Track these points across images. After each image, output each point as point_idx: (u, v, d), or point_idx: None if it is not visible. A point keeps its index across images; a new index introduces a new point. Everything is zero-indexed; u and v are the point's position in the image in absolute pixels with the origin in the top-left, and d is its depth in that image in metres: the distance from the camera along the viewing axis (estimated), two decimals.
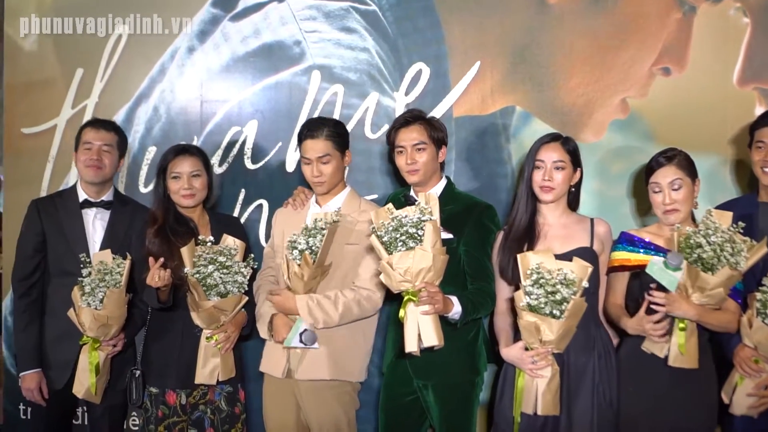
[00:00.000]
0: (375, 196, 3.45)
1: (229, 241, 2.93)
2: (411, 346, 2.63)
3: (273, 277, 3.13)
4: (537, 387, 2.68)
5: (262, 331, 3.01)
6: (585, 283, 2.57)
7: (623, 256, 2.80)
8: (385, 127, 3.44)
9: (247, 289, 2.94)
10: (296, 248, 2.77)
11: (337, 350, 2.94)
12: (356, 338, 2.99)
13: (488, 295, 2.88)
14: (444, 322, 2.73)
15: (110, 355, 2.99)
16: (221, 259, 2.85)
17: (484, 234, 2.93)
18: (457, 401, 2.93)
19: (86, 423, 3.41)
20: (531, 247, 2.82)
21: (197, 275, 2.81)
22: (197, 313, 2.89)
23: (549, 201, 2.86)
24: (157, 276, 2.83)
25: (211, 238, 2.90)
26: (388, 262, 2.62)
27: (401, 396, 2.99)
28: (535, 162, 2.85)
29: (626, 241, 2.81)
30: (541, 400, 2.67)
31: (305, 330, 2.87)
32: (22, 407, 3.68)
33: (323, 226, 2.78)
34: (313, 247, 2.75)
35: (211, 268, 2.82)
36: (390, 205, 2.72)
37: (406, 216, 2.62)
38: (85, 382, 2.93)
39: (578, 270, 2.59)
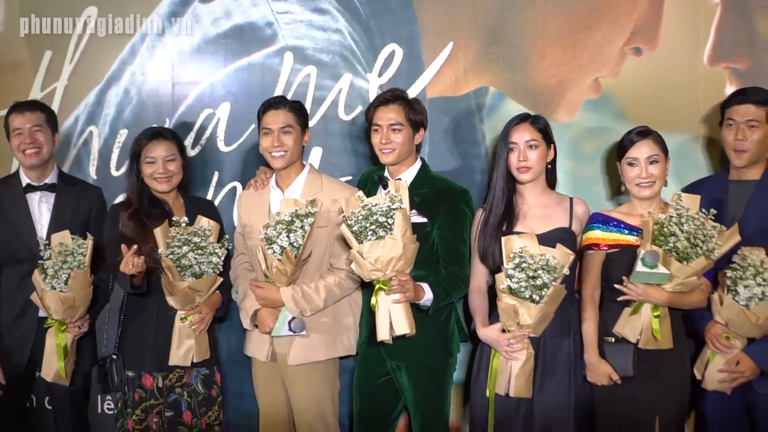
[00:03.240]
0: (349, 178, 3.44)
1: (203, 222, 2.93)
2: (383, 334, 2.66)
3: (248, 263, 3.14)
4: (511, 369, 2.72)
5: (245, 322, 3.02)
6: (566, 270, 2.62)
7: (596, 235, 2.82)
8: (359, 109, 3.45)
9: (222, 270, 2.94)
10: (276, 244, 2.75)
11: (327, 329, 2.96)
12: (344, 312, 3.01)
13: (461, 279, 2.90)
14: (416, 308, 2.75)
15: (77, 336, 3.00)
16: (195, 239, 2.85)
17: (458, 218, 2.92)
18: (430, 382, 2.94)
19: (49, 407, 3.38)
20: (511, 228, 2.84)
21: (171, 256, 2.81)
22: (172, 295, 2.89)
23: (527, 181, 2.87)
24: (131, 263, 2.83)
25: (186, 218, 2.91)
26: (359, 251, 2.62)
27: (375, 378, 3.00)
28: (509, 144, 2.87)
29: (600, 220, 2.84)
30: (514, 382, 2.72)
31: (293, 318, 2.89)
32: None
33: (302, 220, 2.75)
34: (295, 243, 2.74)
35: (185, 248, 2.82)
36: (360, 193, 2.72)
37: (376, 204, 2.62)
38: (53, 366, 2.92)
39: (560, 257, 2.63)
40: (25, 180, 3.17)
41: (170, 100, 3.57)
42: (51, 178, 3.19)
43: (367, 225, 2.60)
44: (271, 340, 2.97)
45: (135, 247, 2.84)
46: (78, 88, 3.60)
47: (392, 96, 2.96)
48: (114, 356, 3.02)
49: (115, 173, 3.59)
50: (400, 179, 2.93)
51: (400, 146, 2.92)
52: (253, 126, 3.48)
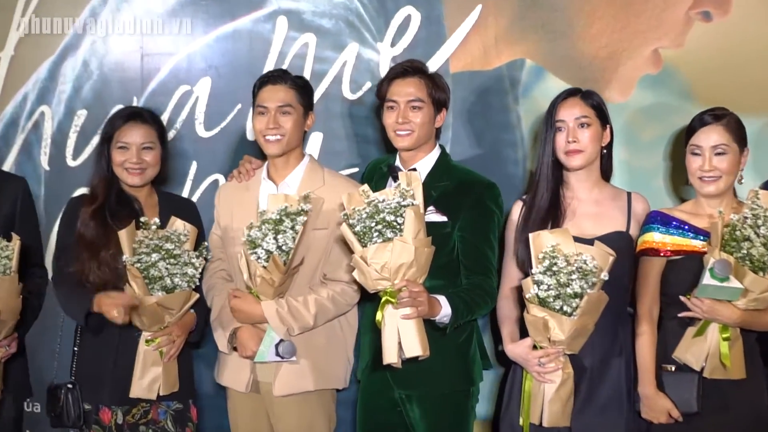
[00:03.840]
0: (354, 170, 3.34)
1: (178, 224, 2.84)
2: (390, 356, 2.56)
3: (224, 271, 3.04)
4: (544, 393, 2.64)
5: (221, 344, 2.92)
6: (604, 275, 2.50)
7: (654, 238, 2.72)
8: (367, 86, 3.35)
9: (198, 284, 2.85)
10: (260, 247, 2.65)
11: (317, 354, 2.87)
12: (336, 338, 2.94)
13: (486, 292, 2.80)
14: (430, 326, 2.64)
15: (3, 358, 2.89)
16: (168, 246, 2.75)
17: (484, 217, 2.82)
18: (447, 416, 2.85)
19: None
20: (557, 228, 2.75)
21: (138, 264, 2.71)
22: (136, 312, 2.77)
23: (579, 166, 2.77)
24: (117, 313, 2.72)
25: (157, 220, 2.81)
26: (362, 256, 2.53)
27: (380, 410, 2.90)
28: (555, 123, 2.77)
29: (659, 221, 2.73)
30: (547, 408, 2.63)
31: (281, 340, 2.80)
32: None
33: (293, 219, 2.66)
34: (284, 246, 2.64)
35: (155, 256, 2.73)
36: (365, 187, 2.61)
37: (383, 200, 2.52)
38: None
39: (599, 258, 2.51)
40: None
41: (138, 74, 3.49)
42: None
43: (373, 225, 2.50)
44: (252, 367, 2.86)
45: (126, 298, 2.75)
46: (27, 60, 3.51)
47: (411, 68, 2.85)
48: (70, 385, 2.92)
49: (71, 163, 3.49)
50: (414, 169, 2.82)
51: (419, 128, 2.81)
52: (239, 106, 3.41)
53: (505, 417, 2.83)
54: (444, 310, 2.65)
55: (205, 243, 2.89)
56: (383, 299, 2.56)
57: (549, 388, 2.62)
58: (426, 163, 2.88)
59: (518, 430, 2.74)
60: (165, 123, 3.43)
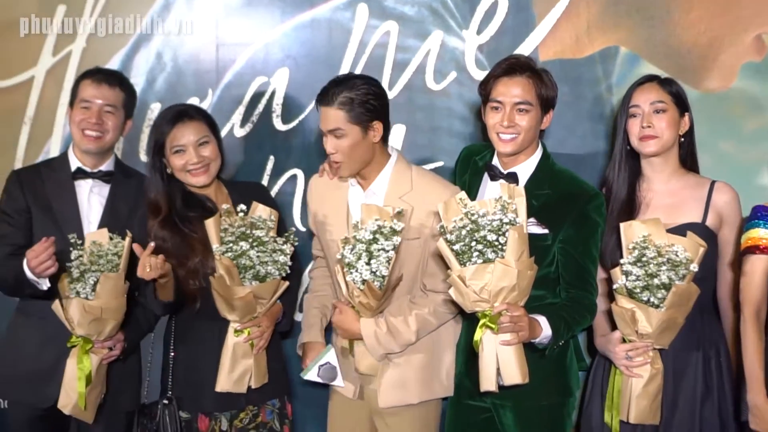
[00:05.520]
0: (440, 164, 3.30)
1: (261, 210, 2.76)
2: (488, 384, 2.49)
3: (327, 276, 3.00)
4: (631, 388, 2.60)
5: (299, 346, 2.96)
6: (694, 267, 2.45)
7: (759, 234, 2.64)
8: (452, 76, 3.28)
9: (288, 272, 2.77)
10: (355, 268, 2.59)
11: (419, 366, 2.82)
12: (440, 344, 2.87)
13: (586, 308, 2.72)
14: (528, 348, 2.57)
15: (105, 360, 2.83)
16: (257, 233, 2.68)
17: (587, 230, 2.72)
18: (543, 427, 2.79)
19: None
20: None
21: (229, 254, 2.65)
22: (228, 304, 2.73)
23: (653, 153, 2.72)
24: (147, 264, 2.66)
25: (243, 206, 2.72)
26: (460, 275, 2.45)
27: (472, 412, 2.84)
28: (630, 109, 2.75)
29: (763, 215, 2.65)
30: (634, 404, 2.59)
31: (326, 363, 2.82)
32: None
33: (387, 238, 2.57)
34: (378, 273, 2.56)
35: (243, 244, 2.66)
36: (462, 195, 2.53)
37: (484, 215, 2.44)
38: (72, 394, 2.77)
39: (690, 248, 2.47)
40: (75, 163, 3.02)
41: (214, 66, 3.47)
42: (107, 166, 3.05)
43: (473, 244, 2.42)
44: (358, 374, 2.83)
45: (152, 245, 2.70)
46: (98, 53, 3.48)
47: (519, 64, 2.73)
48: (166, 400, 2.89)
49: (145, 158, 3.32)
50: (514, 174, 2.74)
51: (525, 132, 2.70)
52: None
53: (585, 416, 2.82)
54: (544, 332, 2.59)
55: (292, 228, 2.82)
56: (481, 321, 2.50)
57: (637, 384, 2.59)
58: (527, 167, 2.78)
59: (597, 426, 2.74)
60: (241, 117, 3.52)
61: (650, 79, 2.78)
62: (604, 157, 3.21)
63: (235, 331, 2.78)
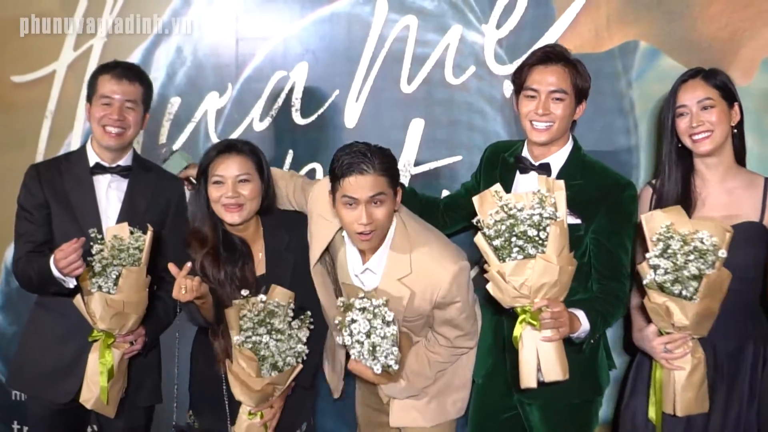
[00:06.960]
0: (458, 158, 3.29)
1: (278, 293, 2.70)
2: (529, 380, 2.45)
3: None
4: (674, 381, 2.54)
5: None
6: (722, 252, 2.38)
7: None
8: (471, 70, 3.27)
9: (306, 359, 2.72)
10: (363, 359, 2.54)
11: (436, 393, 2.85)
12: (454, 373, 2.88)
13: (620, 299, 2.70)
14: (565, 342, 2.54)
15: (127, 355, 2.84)
16: (274, 322, 2.65)
17: (620, 221, 2.70)
18: (570, 425, 2.78)
19: None
20: None
21: (248, 345, 2.62)
22: (245, 389, 2.69)
23: (708, 151, 2.65)
24: (183, 287, 2.61)
25: (263, 296, 2.66)
26: (500, 271, 2.40)
27: (497, 411, 2.83)
28: (677, 109, 2.67)
29: None
30: (680, 396, 2.52)
31: None
32: (16, 426, 3.67)
33: (382, 329, 2.52)
34: (385, 366, 2.53)
35: (261, 330, 2.64)
36: (497, 187, 2.47)
37: (522, 209, 2.39)
38: (94, 389, 2.77)
39: (716, 233, 2.40)
40: (93, 158, 2.99)
41: (233, 60, 3.48)
42: (125, 160, 3.01)
43: (513, 240, 2.38)
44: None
45: (188, 265, 2.65)
46: (119, 46, 3.51)
47: (555, 53, 2.70)
48: (186, 421, 2.91)
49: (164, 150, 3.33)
50: (547, 165, 2.70)
51: (560, 120, 2.67)
52: (337, 92, 3.38)
53: (626, 413, 2.76)
54: (583, 326, 2.56)
55: (309, 312, 2.74)
56: (521, 317, 2.46)
57: (680, 375, 2.52)
58: (559, 157, 2.74)
59: (641, 424, 2.68)
60: (260, 110, 3.52)
61: (694, 74, 2.71)
62: (623, 150, 3.20)
63: (249, 413, 2.75)
